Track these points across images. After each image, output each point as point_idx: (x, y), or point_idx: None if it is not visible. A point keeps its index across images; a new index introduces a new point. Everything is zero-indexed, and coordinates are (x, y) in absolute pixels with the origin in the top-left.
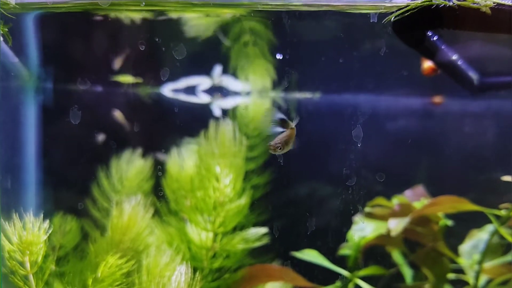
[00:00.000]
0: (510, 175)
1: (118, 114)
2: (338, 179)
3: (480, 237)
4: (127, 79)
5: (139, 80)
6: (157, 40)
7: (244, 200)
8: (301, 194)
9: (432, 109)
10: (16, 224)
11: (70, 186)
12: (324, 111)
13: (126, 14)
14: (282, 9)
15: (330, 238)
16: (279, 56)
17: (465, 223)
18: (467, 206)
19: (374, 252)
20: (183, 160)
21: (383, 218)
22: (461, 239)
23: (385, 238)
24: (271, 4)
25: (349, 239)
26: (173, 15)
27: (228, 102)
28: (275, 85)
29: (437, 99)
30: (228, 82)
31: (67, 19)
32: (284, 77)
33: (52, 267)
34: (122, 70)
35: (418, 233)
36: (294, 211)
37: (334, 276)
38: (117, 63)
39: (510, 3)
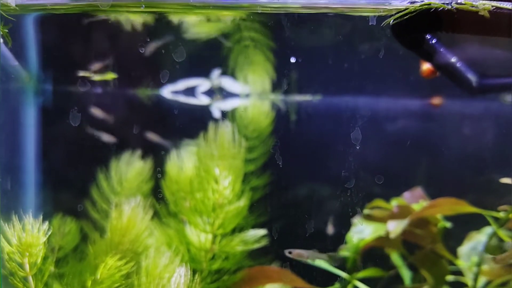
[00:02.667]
0: (509, 177)
1: (97, 112)
2: (337, 181)
3: (478, 239)
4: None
5: (139, 81)
6: (156, 42)
7: (243, 202)
8: (300, 196)
9: (431, 111)
10: (16, 226)
11: (70, 188)
12: (324, 113)
13: (126, 16)
14: (281, 11)
15: (329, 240)
16: (292, 60)
17: (463, 225)
18: (466, 208)
19: (373, 254)
20: (182, 162)
21: (382, 220)
22: (459, 241)
23: (384, 240)
24: (270, 7)
25: (348, 241)
26: (173, 17)
27: (228, 104)
28: (275, 87)
29: (436, 100)
30: (227, 83)
31: (66, 20)
32: (283, 79)
33: (52, 268)
34: (122, 72)
35: (417, 235)
36: (293, 213)
37: (332, 278)
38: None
39: (509, 7)
